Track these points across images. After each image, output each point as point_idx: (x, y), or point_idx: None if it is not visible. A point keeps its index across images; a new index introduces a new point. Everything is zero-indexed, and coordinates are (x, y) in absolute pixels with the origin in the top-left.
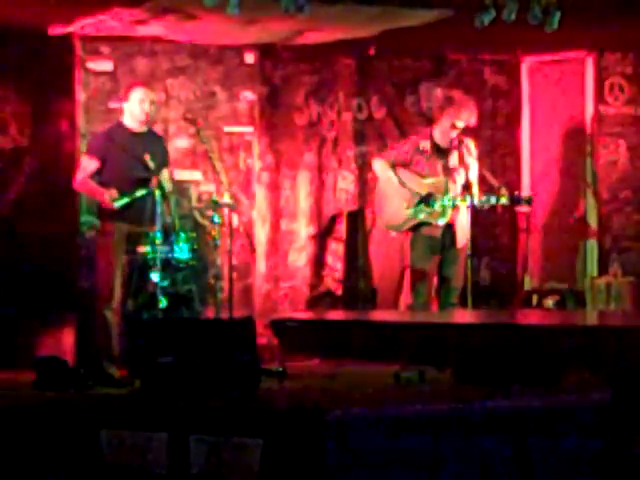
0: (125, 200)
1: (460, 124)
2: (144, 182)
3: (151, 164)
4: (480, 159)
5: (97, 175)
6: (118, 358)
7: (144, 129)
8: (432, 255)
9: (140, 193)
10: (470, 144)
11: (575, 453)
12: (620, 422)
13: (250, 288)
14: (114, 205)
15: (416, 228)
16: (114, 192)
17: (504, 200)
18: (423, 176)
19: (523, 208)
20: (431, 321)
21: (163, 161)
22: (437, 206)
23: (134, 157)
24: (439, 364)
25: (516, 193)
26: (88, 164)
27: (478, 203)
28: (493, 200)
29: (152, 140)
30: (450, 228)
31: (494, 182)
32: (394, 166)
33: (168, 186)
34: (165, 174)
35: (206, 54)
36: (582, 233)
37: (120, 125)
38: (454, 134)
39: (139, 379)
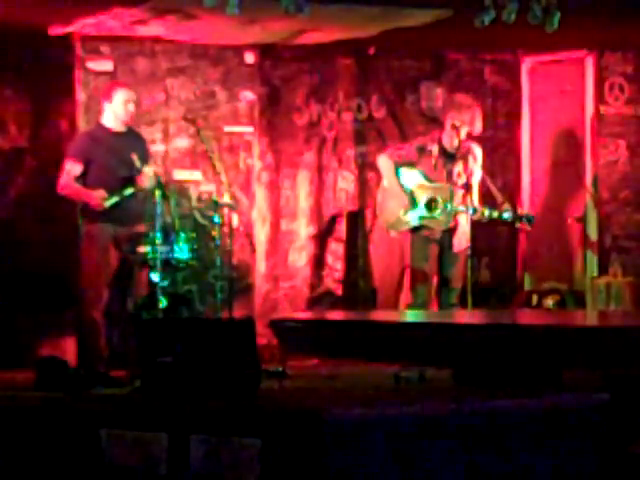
0: (115, 199)
1: (460, 126)
2: (130, 181)
3: (138, 163)
4: (484, 167)
5: (81, 178)
6: (106, 359)
7: (124, 129)
8: (431, 255)
9: (128, 192)
10: (477, 151)
11: (575, 453)
12: (619, 422)
13: (250, 288)
14: (105, 204)
15: (415, 228)
16: (102, 192)
17: (506, 216)
18: (428, 179)
19: (523, 226)
20: (431, 321)
21: (145, 158)
22: (438, 213)
23: (119, 157)
24: (439, 364)
25: (518, 211)
26: (72, 168)
27: (480, 215)
28: (495, 214)
29: (134, 139)
30: (450, 231)
31: (498, 196)
32: (398, 165)
33: (152, 183)
34: (148, 171)
35: (206, 54)
36: (582, 234)
37: (100, 126)
38: (457, 139)
39: (139, 379)
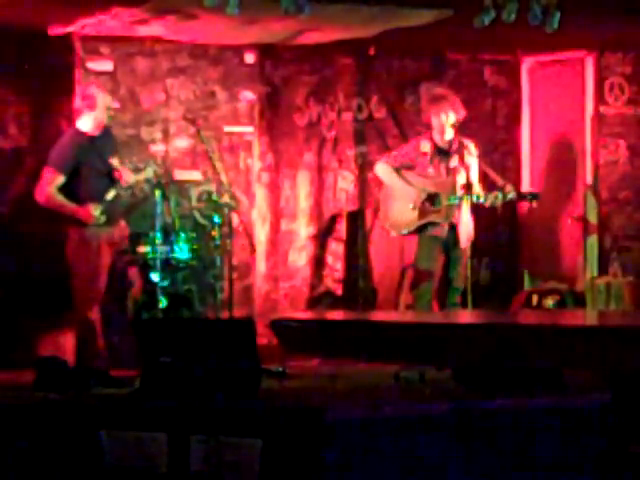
0: (100, 209)
1: (451, 118)
2: (113, 183)
3: (115, 163)
4: (480, 158)
5: (62, 189)
6: (106, 359)
7: (101, 131)
8: (438, 255)
9: (111, 196)
10: (470, 145)
11: (575, 453)
12: (620, 422)
13: (250, 288)
14: (99, 220)
15: (422, 229)
16: (91, 207)
17: (511, 196)
18: (427, 178)
19: (529, 204)
20: (431, 321)
21: (115, 151)
22: (443, 205)
23: (101, 162)
24: (439, 364)
25: (522, 190)
26: (55, 178)
27: (484, 200)
28: (500, 197)
29: (107, 138)
30: (454, 228)
31: (498, 179)
32: (399, 169)
33: (133, 177)
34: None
35: (206, 54)
36: (582, 233)
37: (79, 132)
38: (450, 132)
39: (139, 379)
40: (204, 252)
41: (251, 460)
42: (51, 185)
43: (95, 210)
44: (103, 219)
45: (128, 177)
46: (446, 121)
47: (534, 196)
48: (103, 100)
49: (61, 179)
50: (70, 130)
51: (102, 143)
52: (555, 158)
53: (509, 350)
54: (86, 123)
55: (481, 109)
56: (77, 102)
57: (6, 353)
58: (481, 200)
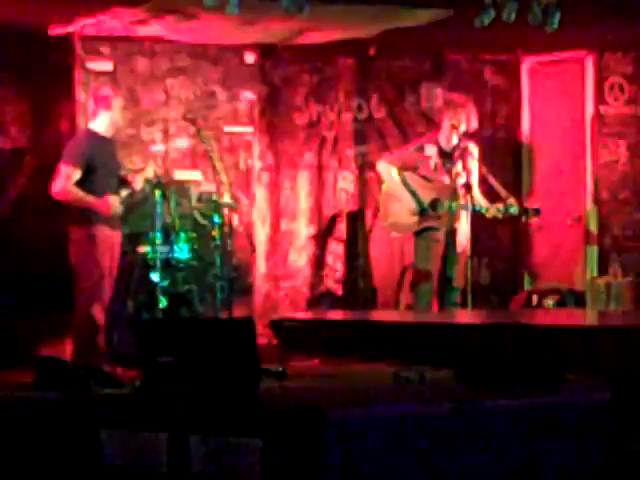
0: (119, 199)
1: (462, 126)
2: (123, 184)
3: (131, 165)
4: (482, 162)
5: (79, 184)
6: (107, 358)
7: (112, 134)
8: (436, 255)
9: (124, 193)
10: (473, 149)
11: (575, 453)
12: (620, 422)
13: (250, 288)
14: (118, 211)
15: (421, 231)
16: (112, 198)
17: (512, 210)
18: (429, 180)
19: (531, 219)
20: (431, 321)
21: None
22: (443, 211)
23: (113, 162)
24: (439, 364)
25: (525, 205)
26: (71, 173)
27: (485, 211)
28: (502, 210)
29: (116, 142)
30: (452, 231)
31: (501, 191)
32: (400, 170)
33: (140, 184)
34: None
35: (206, 54)
36: (582, 233)
37: (94, 134)
38: (456, 138)
39: (139, 379)
40: (204, 252)
41: (251, 460)
42: (68, 179)
43: (114, 201)
44: (121, 210)
45: (139, 181)
46: (458, 128)
47: (536, 212)
48: (117, 101)
49: (78, 173)
50: (83, 130)
51: (114, 146)
52: (555, 158)
53: (509, 350)
54: (101, 124)
55: (481, 109)
56: (90, 104)
57: (6, 353)
58: (482, 211)
